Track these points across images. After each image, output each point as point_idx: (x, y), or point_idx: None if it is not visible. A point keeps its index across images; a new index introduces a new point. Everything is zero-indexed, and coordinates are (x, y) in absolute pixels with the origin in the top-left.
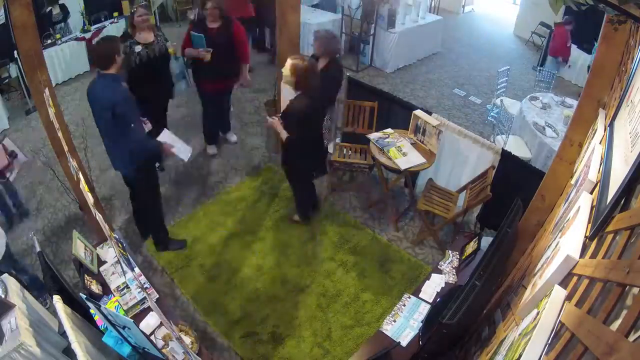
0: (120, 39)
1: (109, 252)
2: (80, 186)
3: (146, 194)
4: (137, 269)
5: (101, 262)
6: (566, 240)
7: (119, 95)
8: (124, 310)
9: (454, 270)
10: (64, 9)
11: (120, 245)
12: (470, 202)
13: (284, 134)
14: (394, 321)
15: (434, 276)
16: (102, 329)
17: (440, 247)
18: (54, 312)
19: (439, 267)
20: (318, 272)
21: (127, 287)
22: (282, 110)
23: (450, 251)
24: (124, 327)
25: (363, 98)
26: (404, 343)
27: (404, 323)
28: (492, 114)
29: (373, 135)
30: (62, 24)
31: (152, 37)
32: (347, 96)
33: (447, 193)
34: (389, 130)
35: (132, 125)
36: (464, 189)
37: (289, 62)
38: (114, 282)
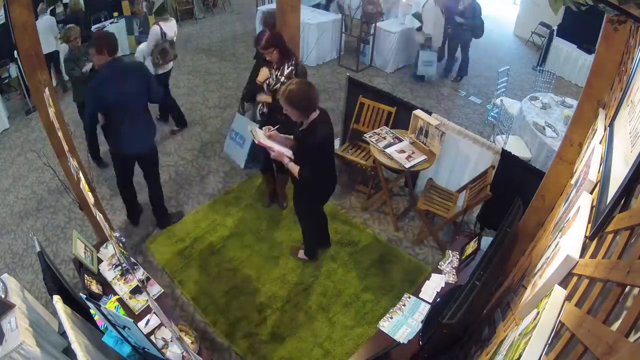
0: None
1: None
2: (81, 186)
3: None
4: (141, 269)
5: (101, 262)
6: (566, 240)
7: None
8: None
9: (454, 270)
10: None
11: (120, 245)
12: (470, 202)
13: (296, 170)
14: (391, 318)
15: (434, 276)
16: (102, 329)
17: (440, 247)
18: (54, 312)
19: (439, 267)
20: (318, 272)
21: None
22: (295, 146)
23: (450, 251)
24: (124, 327)
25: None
26: (402, 340)
27: (401, 320)
28: (492, 114)
29: (370, 134)
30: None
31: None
32: (348, 95)
33: (447, 193)
34: (386, 129)
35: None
36: (464, 188)
37: (281, 97)
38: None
